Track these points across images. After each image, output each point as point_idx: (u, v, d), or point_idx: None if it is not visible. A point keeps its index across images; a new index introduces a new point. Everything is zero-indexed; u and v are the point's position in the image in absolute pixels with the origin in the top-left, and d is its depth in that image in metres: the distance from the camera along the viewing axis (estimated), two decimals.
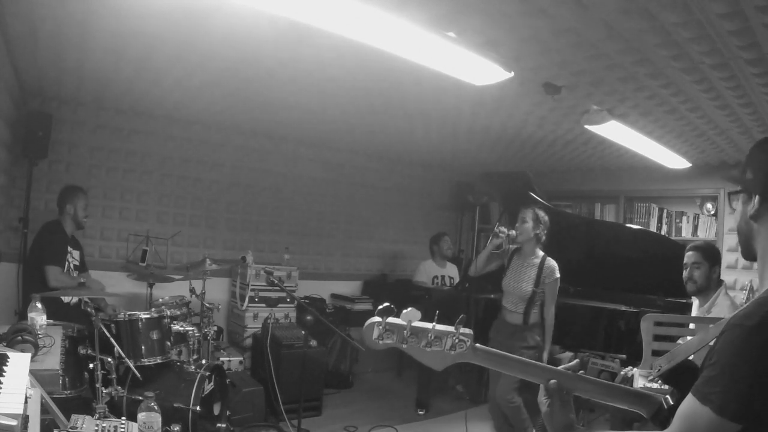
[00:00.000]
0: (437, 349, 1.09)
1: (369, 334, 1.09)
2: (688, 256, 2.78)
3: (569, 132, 4.19)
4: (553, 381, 1.13)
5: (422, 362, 1.10)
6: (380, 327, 1.08)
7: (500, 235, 3.59)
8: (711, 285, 2.72)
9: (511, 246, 3.68)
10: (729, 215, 4.73)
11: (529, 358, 1.21)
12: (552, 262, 3.53)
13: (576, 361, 1.18)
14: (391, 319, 1.08)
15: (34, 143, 3.88)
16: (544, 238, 3.58)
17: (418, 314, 1.08)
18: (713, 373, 0.93)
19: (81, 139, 4.37)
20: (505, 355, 1.15)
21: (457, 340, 1.08)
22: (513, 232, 3.59)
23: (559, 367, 1.17)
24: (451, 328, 1.09)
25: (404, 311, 1.08)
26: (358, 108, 3.99)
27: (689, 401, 0.96)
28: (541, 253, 3.57)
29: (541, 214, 3.59)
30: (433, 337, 1.08)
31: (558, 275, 3.51)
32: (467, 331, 1.10)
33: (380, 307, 1.08)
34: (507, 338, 3.50)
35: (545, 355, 3.48)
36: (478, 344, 1.11)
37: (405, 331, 1.08)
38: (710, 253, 2.73)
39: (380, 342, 1.08)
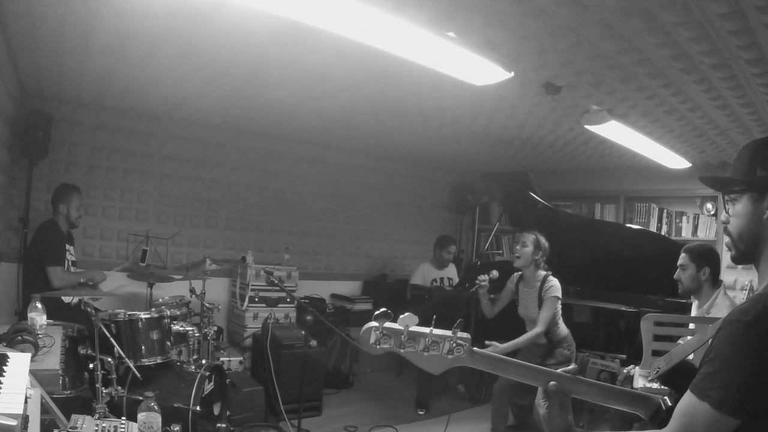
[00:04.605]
0: (435, 353, 1.09)
1: (366, 339, 1.08)
2: (679, 258, 2.81)
3: (569, 132, 4.18)
4: (553, 383, 1.13)
5: (420, 366, 1.10)
6: (377, 332, 1.07)
7: (483, 284, 3.60)
8: (701, 286, 2.73)
9: (509, 284, 3.68)
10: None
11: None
12: (553, 281, 3.45)
13: (574, 366, 1.18)
14: (388, 324, 1.08)
15: (34, 143, 3.88)
16: (543, 264, 3.53)
17: (416, 319, 1.08)
18: (711, 369, 0.93)
19: (81, 139, 4.37)
20: (503, 358, 1.15)
21: (454, 344, 1.08)
22: (495, 273, 3.60)
23: (558, 370, 1.17)
24: (448, 333, 1.09)
25: (401, 316, 1.08)
26: (358, 108, 3.98)
27: (687, 398, 0.96)
28: (542, 274, 3.51)
29: (542, 239, 3.54)
30: (430, 342, 1.08)
31: (556, 294, 3.42)
32: (465, 335, 1.09)
33: (377, 312, 1.07)
34: (536, 357, 3.41)
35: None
36: (475, 348, 1.11)
37: (402, 336, 1.08)
38: (698, 255, 2.73)
39: (377, 347, 1.08)
